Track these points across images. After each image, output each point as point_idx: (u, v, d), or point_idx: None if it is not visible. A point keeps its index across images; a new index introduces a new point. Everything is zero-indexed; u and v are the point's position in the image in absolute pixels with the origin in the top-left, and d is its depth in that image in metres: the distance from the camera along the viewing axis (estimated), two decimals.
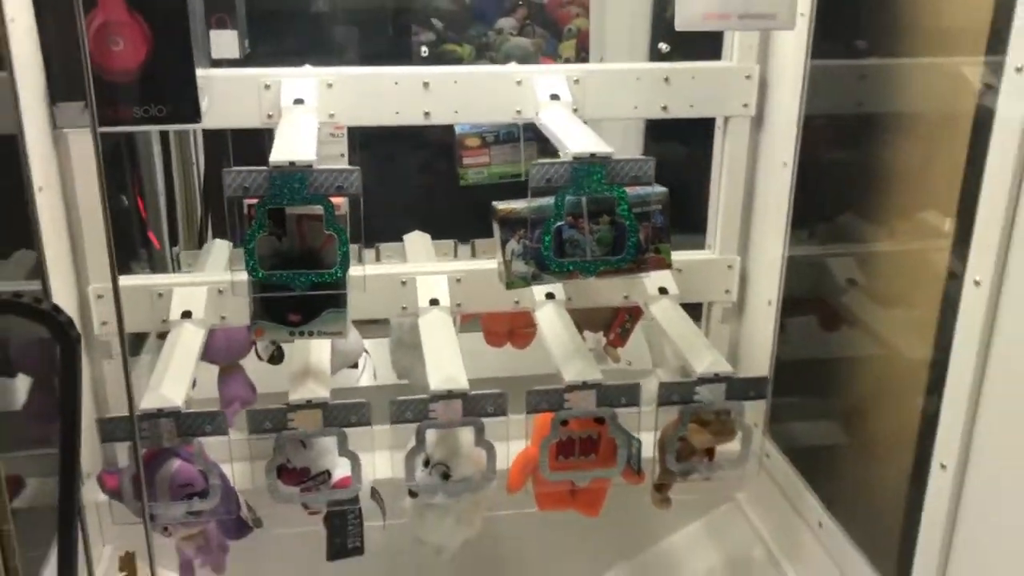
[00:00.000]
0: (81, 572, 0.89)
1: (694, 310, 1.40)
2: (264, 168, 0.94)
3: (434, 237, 1.48)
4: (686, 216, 1.47)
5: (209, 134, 1.58)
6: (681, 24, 1.00)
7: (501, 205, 1.04)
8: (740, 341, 1.38)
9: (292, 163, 0.94)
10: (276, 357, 1.40)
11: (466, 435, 1.09)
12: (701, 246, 1.38)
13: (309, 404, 1.03)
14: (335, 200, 0.97)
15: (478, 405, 1.05)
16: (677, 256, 1.32)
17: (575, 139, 1.03)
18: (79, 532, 0.83)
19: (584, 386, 1.07)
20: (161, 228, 1.53)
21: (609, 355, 1.48)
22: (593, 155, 0.98)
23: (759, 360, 1.30)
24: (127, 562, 0.92)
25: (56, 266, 1.15)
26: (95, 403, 1.26)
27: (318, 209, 0.97)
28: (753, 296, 1.33)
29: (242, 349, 1.37)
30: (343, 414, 1.04)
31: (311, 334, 1.03)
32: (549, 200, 1.00)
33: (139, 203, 1.56)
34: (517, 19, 2.38)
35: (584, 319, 1.46)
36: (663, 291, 1.28)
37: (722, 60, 1.26)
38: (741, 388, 1.10)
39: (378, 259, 1.50)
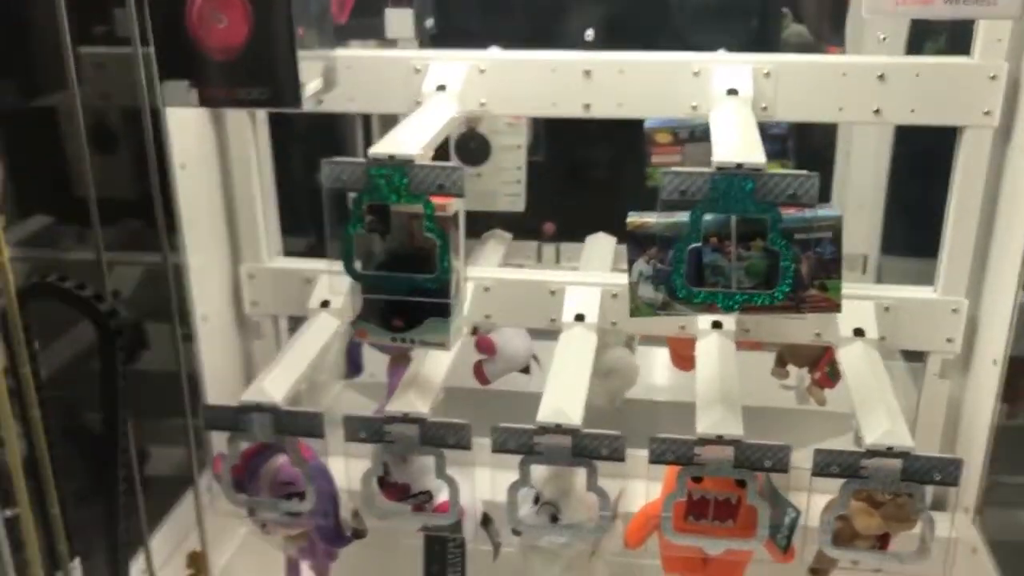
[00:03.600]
0: None
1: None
2: (362, 160, 0.86)
3: (621, 241, 1.34)
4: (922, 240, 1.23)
5: None
6: (869, 10, 0.79)
7: (635, 216, 0.89)
8: (963, 402, 1.12)
9: (391, 156, 0.85)
10: None
11: (581, 476, 0.96)
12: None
13: (405, 418, 0.95)
14: (440, 200, 0.87)
15: (591, 444, 0.91)
16: (890, 292, 1.10)
17: (726, 144, 0.85)
18: (123, 529, 0.80)
19: (719, 441, 0.90)
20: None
21: (813, 396, 1.27)
22: (740, 165, 0.80)
23: (976, 429, 1.05)
24: (195, 559, 0.89)
25: (208, 244, 1.15)
26: (245, 384, 1.26)
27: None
28: (981, 350, 1.08)
29: None
30: (441, 434, 0.94)
31: (412, 342, 0.94)
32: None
33: None
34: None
35: (788, 351, 1.27)
36: (859, 332, 1.06)
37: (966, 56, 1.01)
38: (923, 468, 0.88)
39: (558, 260, 1.39)
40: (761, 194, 0.81)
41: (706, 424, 0.91)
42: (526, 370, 1.36)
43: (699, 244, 0.84)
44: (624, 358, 1.33)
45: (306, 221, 1.62)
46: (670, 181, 0.82)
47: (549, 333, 1.31)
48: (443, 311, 0.92)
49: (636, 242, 0.88)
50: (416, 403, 0.96)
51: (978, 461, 1.08)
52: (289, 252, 1.27)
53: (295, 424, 0.96)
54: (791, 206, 0.82)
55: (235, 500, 1.00)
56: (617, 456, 0.92)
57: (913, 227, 1.47)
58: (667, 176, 0.82)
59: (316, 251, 1.65)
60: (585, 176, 1.54)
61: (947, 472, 0.88)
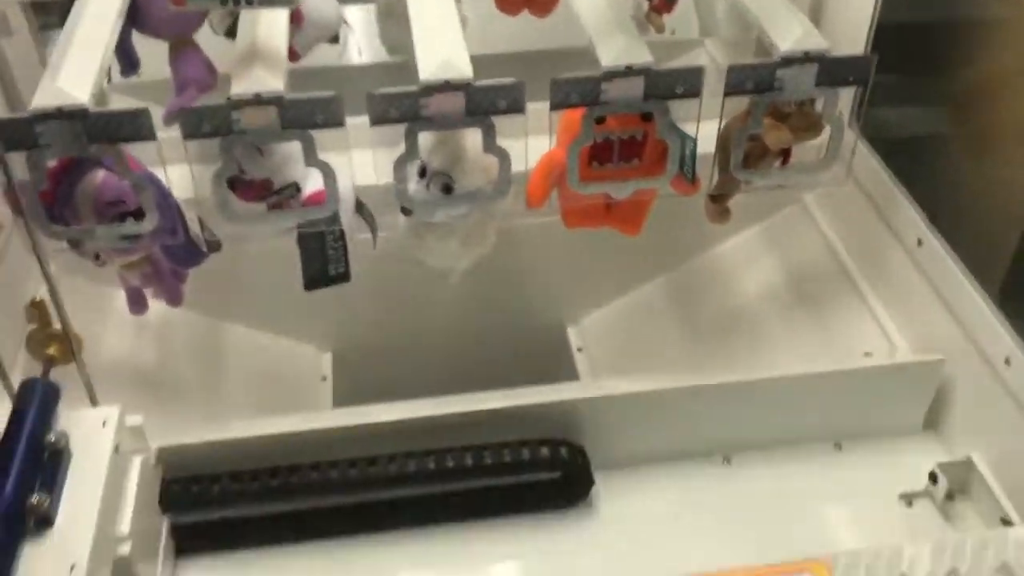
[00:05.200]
0: None
1: None
2: None
3: None
4: None
5: None
6: None
7: None
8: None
9: None
10: (234, 29, 1.12)
11: (472, 137, 0.84)
12: None
13: (258, 99, 0.77)
14: None
15: (486, 99, 0.79)
16: None
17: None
18: None
19: (628, 72, 0.80)
20: None
21: (652, 23, 1.18)
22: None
23: (853, 24, 1.01)
24: (36, 311, 0.72)
25: None
26: (5, 96, 1.01)
27: None
28: None
29: (192, 19, 1.08)
30: (306, 112, 0.78)
31: (250, 3, 0.75)
32: None
33: None
34: None
35: None
36: None
37: None
38: (838, 71, 0.83)
39: None
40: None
41: (610, 55, 0.80)
42: (336, 39, 1.18)
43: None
44: None
45: None
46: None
47: None
48: None
49: None
50: (267, 80, 0.78)
51: None
52: None
53: (118, 127, 0.76)
54: None
55: (53, 233, 0.81)
56: (517, 107, 0.80)
57: None
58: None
59: None
60: None
61: (859, 72, 0.84)
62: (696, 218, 0.99)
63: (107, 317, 1.00)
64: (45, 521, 0.63)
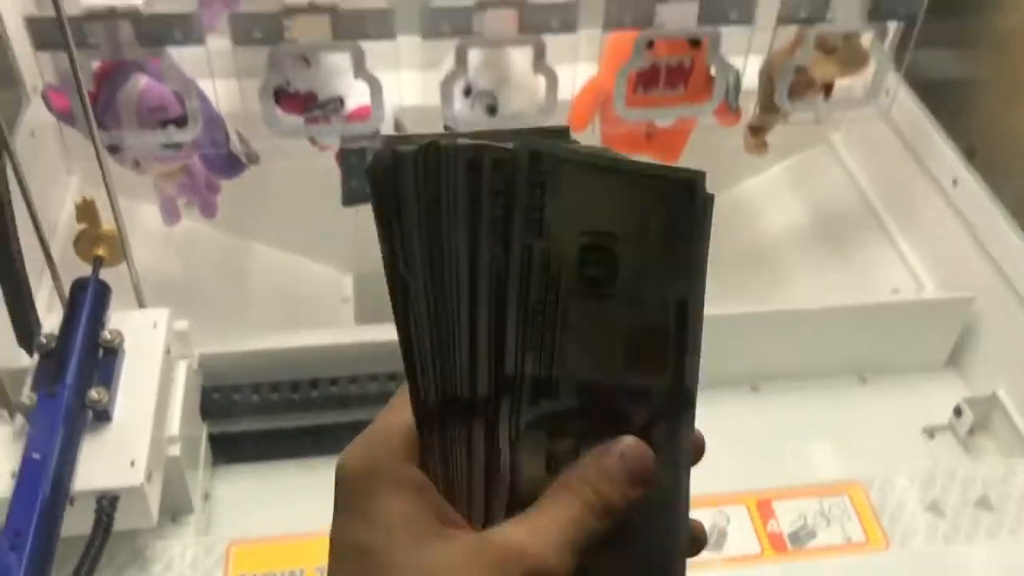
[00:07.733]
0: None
1: None
2: None
3: None
4: None
5: None
6: None
7: None
8: None
9: None
10: None
11: (519, 58, 0.83)
12: None
13: (312, 7, 0.76)
14: None
15: (540, 17, 0.78)
16: None
17: None
18: None
19: None
20: None
21: None
22: None
23: None
24: (86, 210, 0.72)
25: None
26: None
27: None
28: None
29: None
30: (358, 24, 0.77)
31: None
32: None
33: None
34: None
35: None
36: None
37: None
38: (888, 4, 0.83)
39: None
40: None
41: None
42: None
43: None
44: None
45: None
46: None
47: None
48: None
49: None
50: None
51: None
52: None
53: (168, 30, 0.75)
54: None
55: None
56: (569, 27, 0.80)
57: None
58: None
59: None
60: None
61: (910, 6, 0.84)
62: (722, 155, 0.99)
63: (133, 230, 0.99)
64: (104, 416, 0.63)
